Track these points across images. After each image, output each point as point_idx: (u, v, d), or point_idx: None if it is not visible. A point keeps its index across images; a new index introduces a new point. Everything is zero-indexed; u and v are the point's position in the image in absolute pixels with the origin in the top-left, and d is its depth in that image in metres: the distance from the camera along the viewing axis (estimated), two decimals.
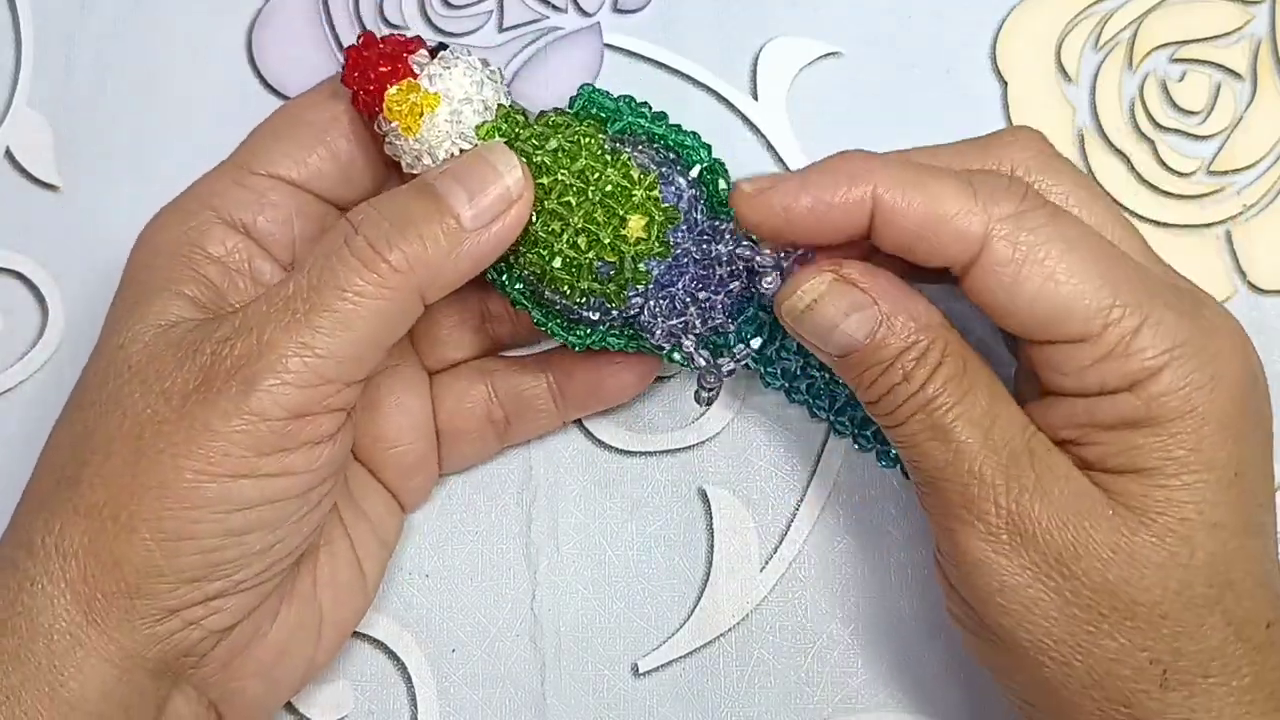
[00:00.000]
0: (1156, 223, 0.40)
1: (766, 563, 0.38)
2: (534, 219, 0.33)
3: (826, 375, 0.35)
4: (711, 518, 0.39)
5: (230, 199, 0.33)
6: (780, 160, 0.40)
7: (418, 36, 0.34)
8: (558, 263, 0.33)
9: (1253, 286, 0.39)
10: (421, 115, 0.33)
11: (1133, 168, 0.40)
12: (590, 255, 0.33)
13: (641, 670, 0.38)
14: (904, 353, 0.31)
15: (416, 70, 0.33)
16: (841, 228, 0.31)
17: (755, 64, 0.41)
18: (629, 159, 0.33)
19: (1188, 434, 0.30)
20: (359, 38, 0.34)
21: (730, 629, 0.38)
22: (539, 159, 0.33)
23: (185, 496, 0.29)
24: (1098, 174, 0.40)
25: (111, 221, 0.41)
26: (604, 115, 0.34)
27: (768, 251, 0.33)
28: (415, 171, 0.33)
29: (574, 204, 0.33)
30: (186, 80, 0.42)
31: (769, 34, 0.41)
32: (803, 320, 0.32)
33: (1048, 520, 0.30)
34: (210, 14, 0.42)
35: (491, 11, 0.42)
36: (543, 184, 0.33)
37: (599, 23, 0.42)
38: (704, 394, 0.34)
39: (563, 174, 0.33)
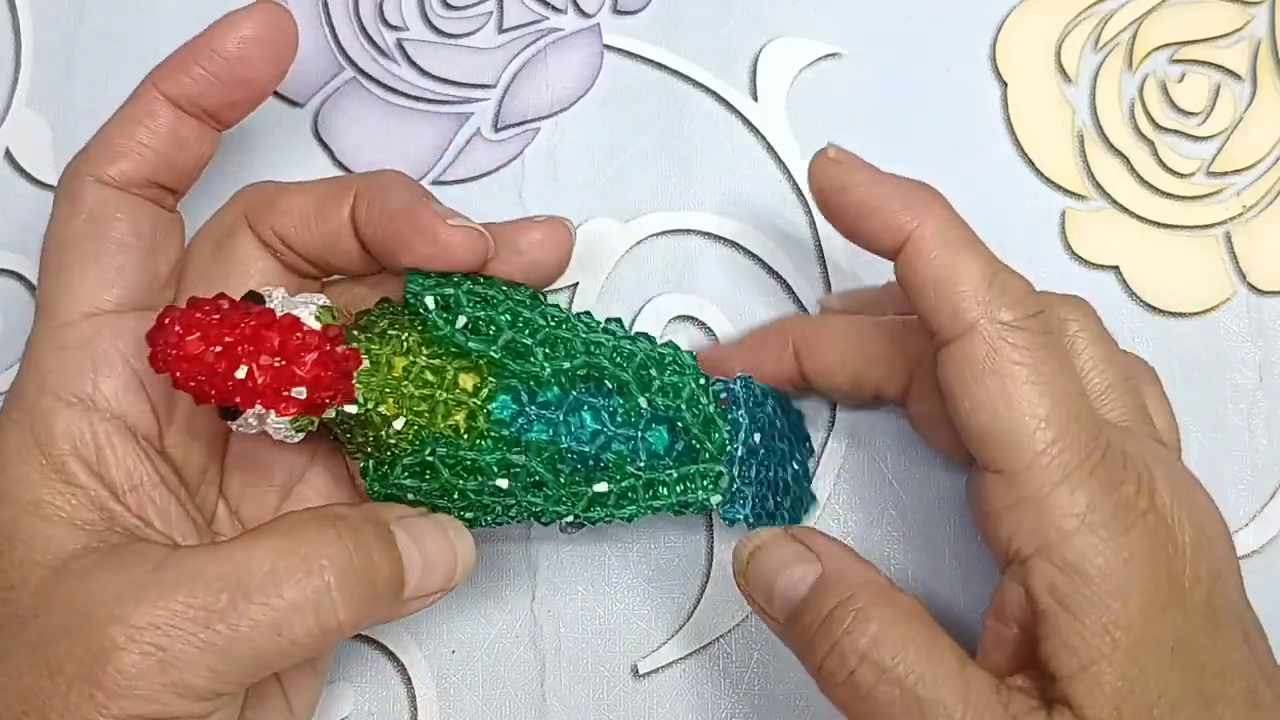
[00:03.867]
0: (1156, 223, 0.40)
1: None
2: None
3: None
4: (711, 518, 0.39)
5: (61, 374, 0.30)
6: (780, 161, 0.40)
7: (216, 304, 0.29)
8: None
9: (1252, 287, 0.39)
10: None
11: (1132, 168, 0.40)
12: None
13: (641, 671, 0.38)
14: (843, 603, 0.30)
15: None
16: (871, 238, 0.32)
17: (755, 64, 0.41)
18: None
19: (1116, 611, 0.28)
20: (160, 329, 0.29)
21: (730, 630, 0.38)
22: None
23: None
24: (1097, 175, 0.40)
25: None
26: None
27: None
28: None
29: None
30: None
31: (769, 34, 0.41)
32: (749, 570, 0.32)
33: None
34: (210, 14, 0.42)
35: (491, 12, 0.42)
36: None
37: (599, 24, 0.42)
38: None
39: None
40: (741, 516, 0.34)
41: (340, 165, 0.41)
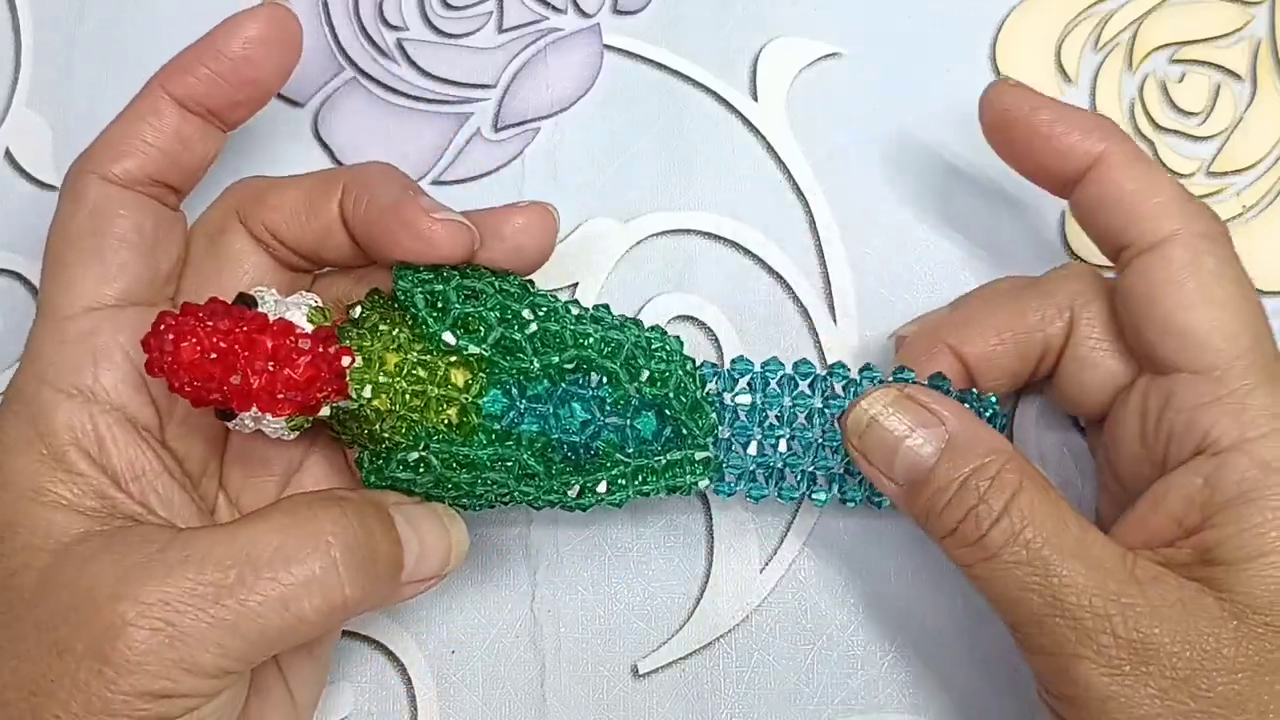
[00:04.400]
0: None
1: (766, 563, 0.38)
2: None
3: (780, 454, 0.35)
4: (711, 518, 0.39)
5: (58, 365, 0.31)
6: (780, 161, 0.40)
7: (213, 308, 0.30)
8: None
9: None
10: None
11: None
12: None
13: (641, 671, 0.38)
14: (976, 471, 0.30)
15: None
16: (1058, 158, 0.33)
17: (755, 64, 0.41)
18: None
19: None
20: (155, 333, 0.29)
21: (730, 630, 0.38)
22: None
23: None
24: None
25: None
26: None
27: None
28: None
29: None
30: None
31: (769, 34, 0.41)
32: (867, 437, 0.32)
33: (1170, 643, 0.28)
34: (210, 14, 0.42)
35: (491, 12, 0.42)
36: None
37: (599, 24, 0.42)
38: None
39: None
40: (732, 491, 0.35)
41: (340, 165, 0.41)
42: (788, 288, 0.40)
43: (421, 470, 0.32)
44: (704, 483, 0.34)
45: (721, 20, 0.41)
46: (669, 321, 0.40)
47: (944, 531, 0.31)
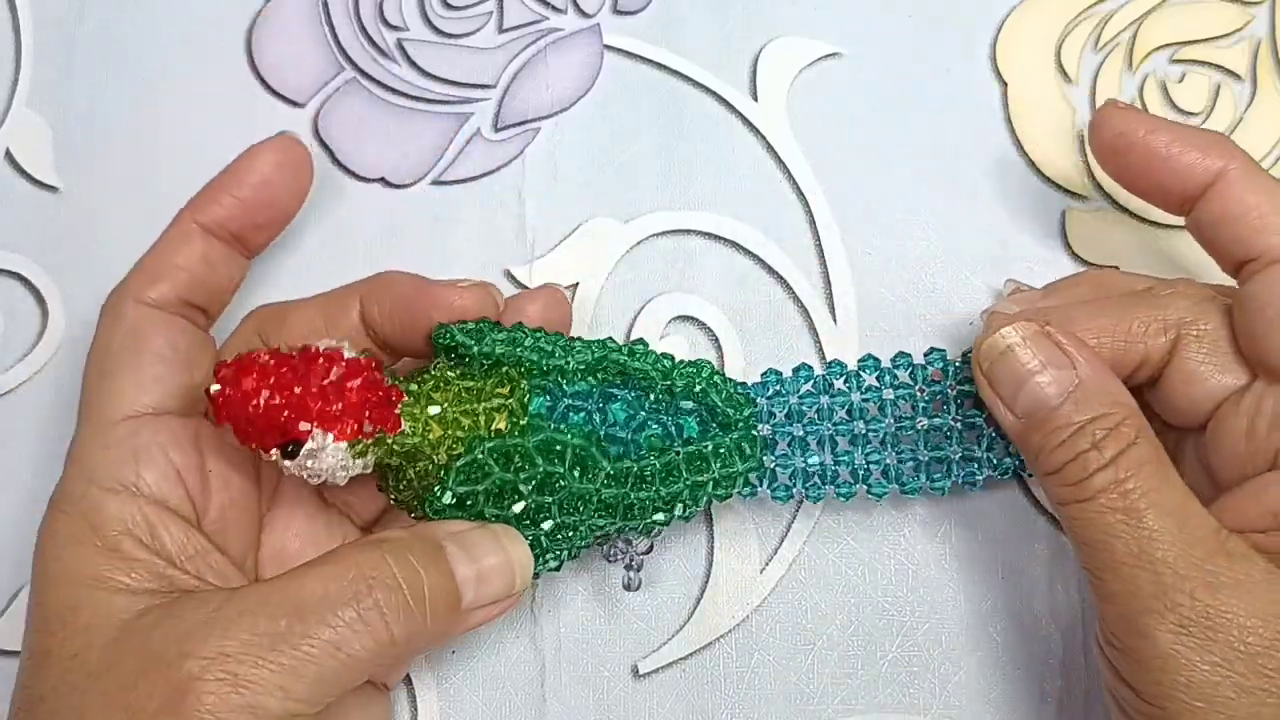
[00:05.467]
0: (1156, 223, 0.40)
1: (766, 564, 0.38)
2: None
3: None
4: (711, 518, 0.38)
5: (104, 466, 0.33)
6: (780, 161, 0.40)
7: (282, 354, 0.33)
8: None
9: None
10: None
11: None
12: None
13: (641, 672, 0.38)
14: (1096, 420, 0.31)
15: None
16: (1178, 178, 0.33)
17: (755, 65, 0.41)
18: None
19: None
20: (223, 384, 0.32)
21: (730, 630, 0.38)
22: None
23: None
24: (1097, 175, 0.40)
25: (111, 222, 0.41)
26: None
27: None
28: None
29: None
30: (186, 80, 0.42)
31: (769, 34, 0.41)
32: (998, 364, 0.32)
33: (1246, 617, 0.29)
34: (210, 14, 0.42)
35: (491, 13, 0.42)
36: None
37: (599, 24, 0.42)
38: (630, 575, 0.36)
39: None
40: (789, 496, 0.35)
41: (340, 165, 0.41)
42: (788, 288, 0.40)
43: (476, 479, 0.33)
44: (761, 489, 0.35)
45: (721, 20, 0.41)
46: (669, 322, 0.40)
47: (1051, 468, 0.32)
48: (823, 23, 0.41)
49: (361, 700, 0.35)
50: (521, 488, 0.33)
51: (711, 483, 0.34)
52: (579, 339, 0.35)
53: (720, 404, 0.35)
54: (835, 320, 0.39)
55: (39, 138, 0.41)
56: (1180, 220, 0.40)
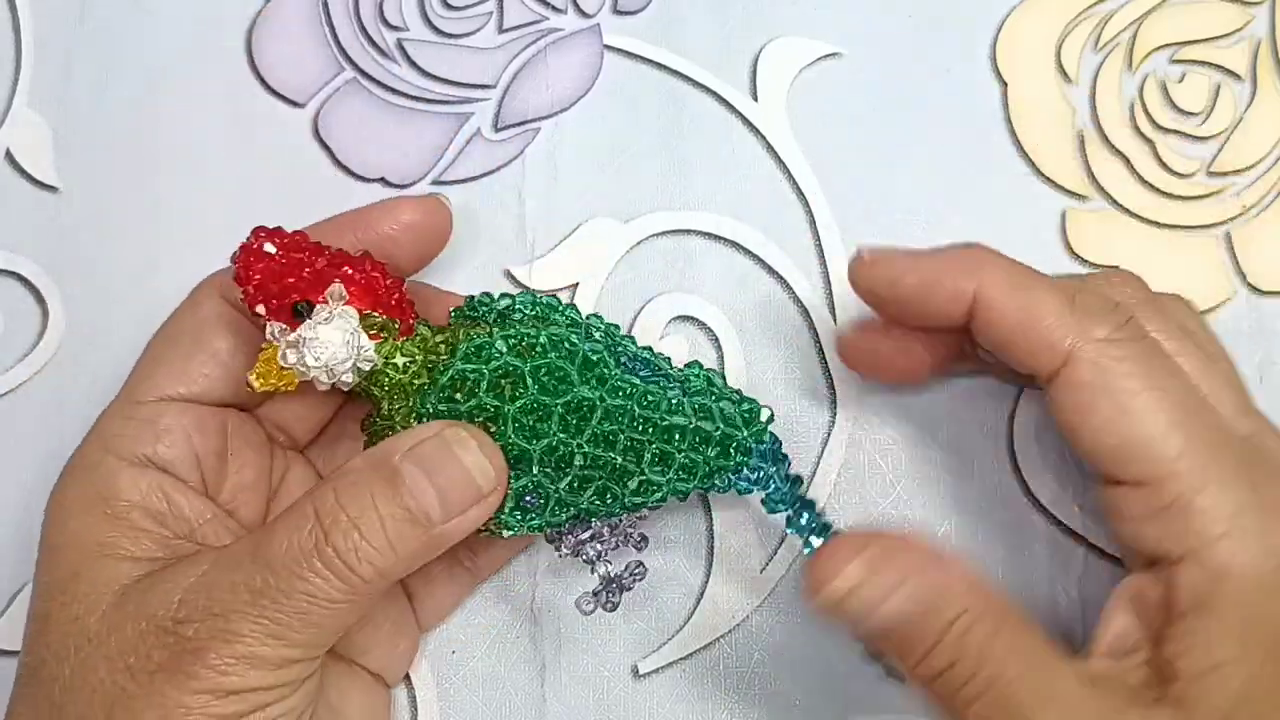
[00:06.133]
0: (1156, 224, 0.40)
1: (766, 564, 0.38)
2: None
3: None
4: (711, 519, 0.38)
5: (125, 438, 0.33)
6: (780, 161, 0.40)
7: (317, 244, 0.33)
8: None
9: (1252, 288, 0.39)
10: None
11: (1132, 169, 0.40)
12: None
13: (641, 672, 0.38)
14: (952, 626, 0.29)
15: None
16: (938, 314, 0.32)
17: (755, 65, 0.41)
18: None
19: (1250, 617, 0.28)
20: (253, 239, 0.32)
21: (730, 630, 0.38)
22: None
23: None
24: (1097, 175, 0.40)
25: (111, 222, 0.41)
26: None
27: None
28: (309, 379, 0.33)
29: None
30: (186, 80, 0.42)
31: (769, 34, 0.41)
32: (845, 608, 0.30)
33: None
34: (210, 14, 0.42)
35: (491, 13, 0.42)
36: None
37: (599, 24, 0.42)
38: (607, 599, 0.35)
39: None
40: (783, 511, 0.34)
41: (340, 165, 0.41)
42: (788, 288, 0.40)
43: (486, 358, 0.32)
44: (752, 444, 0.34)
45: (721, 20, 0.41)
46: (669, 322, 0.40)
47: (924, 682, 0.30)
48: (823, 23, 0.41)
49: (361, 685, 0.36)
50: (528, 379, 0.32)
51: (715, 442, 0.33)
52: (630, 335, 0.35)
53: (724, 388, 0.34)
54: (835, 320, 0.39)
55: (39, 138, 0.41)
56: (1181, 220, 0.40)
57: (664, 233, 0.40)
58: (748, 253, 0.40)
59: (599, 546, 0.34)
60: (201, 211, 0.40)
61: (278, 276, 0.32)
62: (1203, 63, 0.41)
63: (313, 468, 0.37)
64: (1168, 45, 0.41)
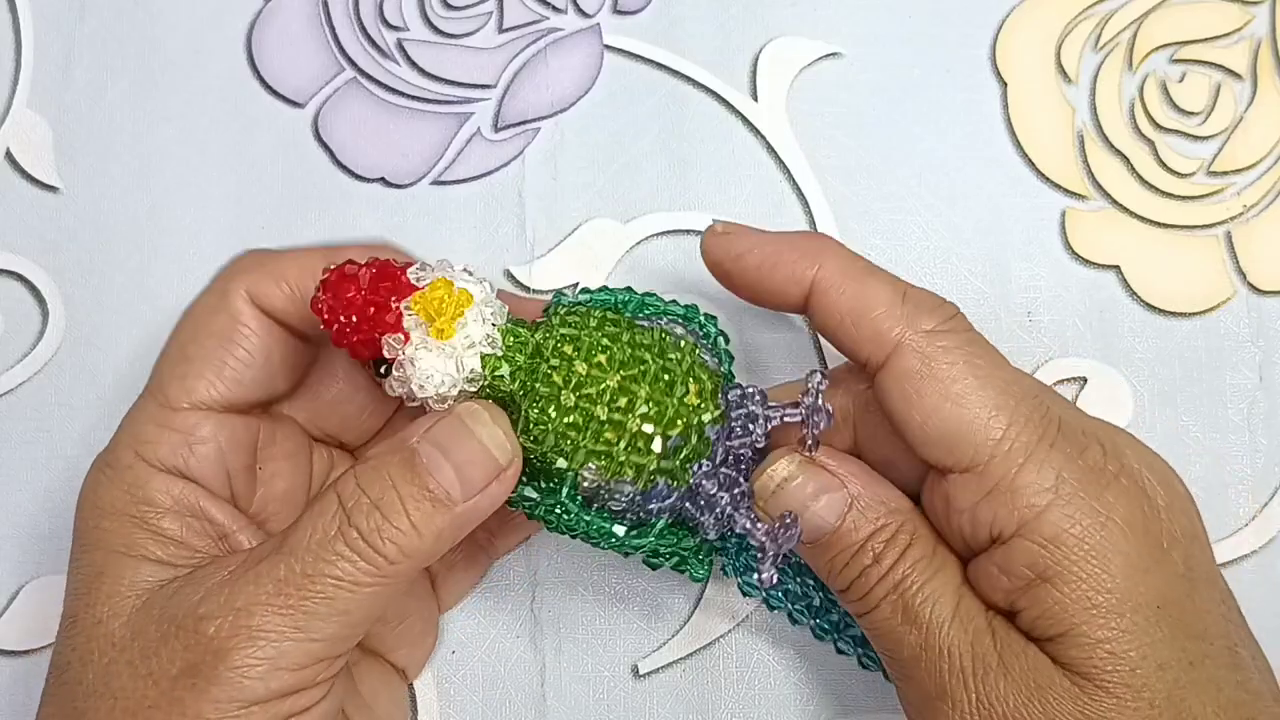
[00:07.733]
0: (1156, 223, 0.40)
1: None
2: (581, 433, 0.31)
3: (808, 582, 0.36)
4: None
5: (159, 446, 0.33)
6: (780, 161, 0.40)
7: (389, 262, 0.32)
8: (623, 448, 0.31)
9: (1252, 287, 0.39)
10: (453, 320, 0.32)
11: (1133, 168, 0.40)
12: (658, 431, 0.32)
13: (642, 672, 0.38)
14: (874, 535, 0.32)
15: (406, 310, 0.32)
16: (778, 294, 0.33)
17: (755, 65, 0.41)
18: (661, 335, 0.33)
19: (1097, 576, 0.29)
20: (331, 274, 0.31)
21: (730, 630, 0.38)
22: (574, 374, 0.32)
23: None
24: (1098, 174, 0.40)
25: (111, 222, 0.41)
26: (606, 305, 0.34)
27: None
28: (415, 404, 0.32)
29: (636, 396, 0.31)
30: (186, 80, 0.42)
31: (769, 34, 0.41)
32: (774, 501, 0.32)
33: (1014, 699, 0.29)
34: (210, 14, 0.42)
35: (491, 13, 0.42)
36: (587, 394, 0.31)
37: (599, 24, 0.42)
38: (759, 579, 0.33)
39: (606, 379, 0.32)
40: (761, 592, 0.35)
41: (340, 165, 0.41)
42: None
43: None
44: (731, 572, 0.35)
45: (721, 20, 0.41)
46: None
47: (841, 587, 0.32)
48: (823, 23, 0.41)
49: (389, 681, 0.36)
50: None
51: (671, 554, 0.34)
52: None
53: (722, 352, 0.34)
54: None
55: (39, 138, 0.41)
56: (1181, 220, 0.40)
57: (664, 233, 0.40)
58: None
59: (738, 512, 0.33)
60: (201, 212, 0.40)
61: (359, 326, 0.31)
62: (1203, 62, 0.41)
63: None
64: (1168, 45, 0.41)
